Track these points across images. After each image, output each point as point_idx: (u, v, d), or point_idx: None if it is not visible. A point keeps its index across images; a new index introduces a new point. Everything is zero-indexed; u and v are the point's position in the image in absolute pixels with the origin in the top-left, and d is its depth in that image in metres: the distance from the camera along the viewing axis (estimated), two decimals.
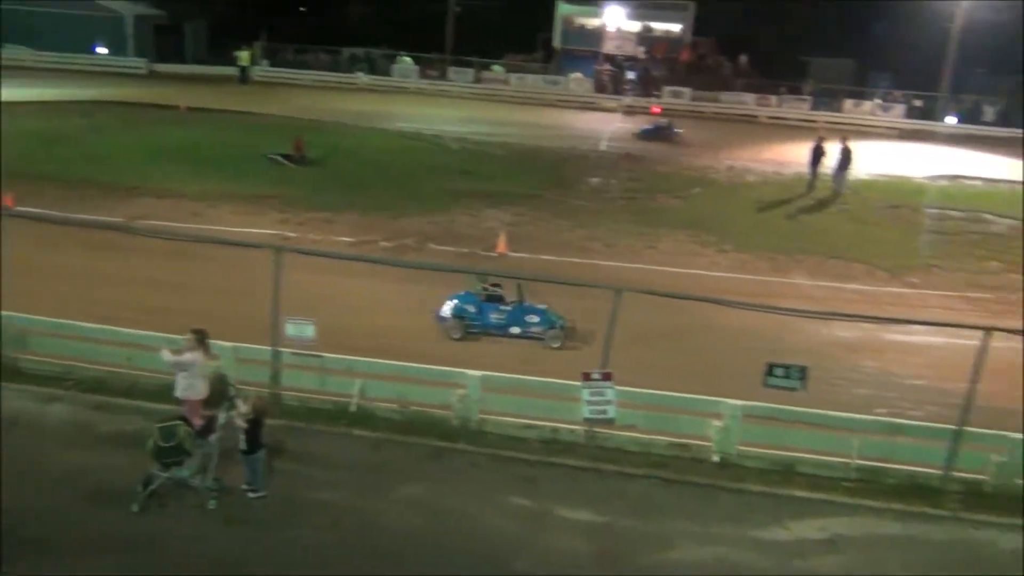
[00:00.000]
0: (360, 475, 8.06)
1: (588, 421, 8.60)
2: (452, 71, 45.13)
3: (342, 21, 53.31)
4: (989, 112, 44.29)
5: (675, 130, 32.72)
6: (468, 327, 11.71)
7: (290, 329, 8.76)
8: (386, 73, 43.88)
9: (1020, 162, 33.82)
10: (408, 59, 44.70)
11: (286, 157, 22.27)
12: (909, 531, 7.66)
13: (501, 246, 16.12)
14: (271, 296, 8.64)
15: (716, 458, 8.55)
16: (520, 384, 9.07)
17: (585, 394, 8.39)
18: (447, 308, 11.81)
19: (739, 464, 8.49)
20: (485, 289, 11.82)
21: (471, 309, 11.76)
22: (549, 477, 8.10)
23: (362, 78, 42.39)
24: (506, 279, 11.87)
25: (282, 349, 8.90)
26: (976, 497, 8.22)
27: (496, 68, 46.77)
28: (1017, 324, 12.74)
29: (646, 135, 32.37)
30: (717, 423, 8.54)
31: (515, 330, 11.69)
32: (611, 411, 8.43)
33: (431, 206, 18.99)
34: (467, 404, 8.89)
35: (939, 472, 8.35)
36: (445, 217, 18.34)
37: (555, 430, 8.84)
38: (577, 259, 15.97)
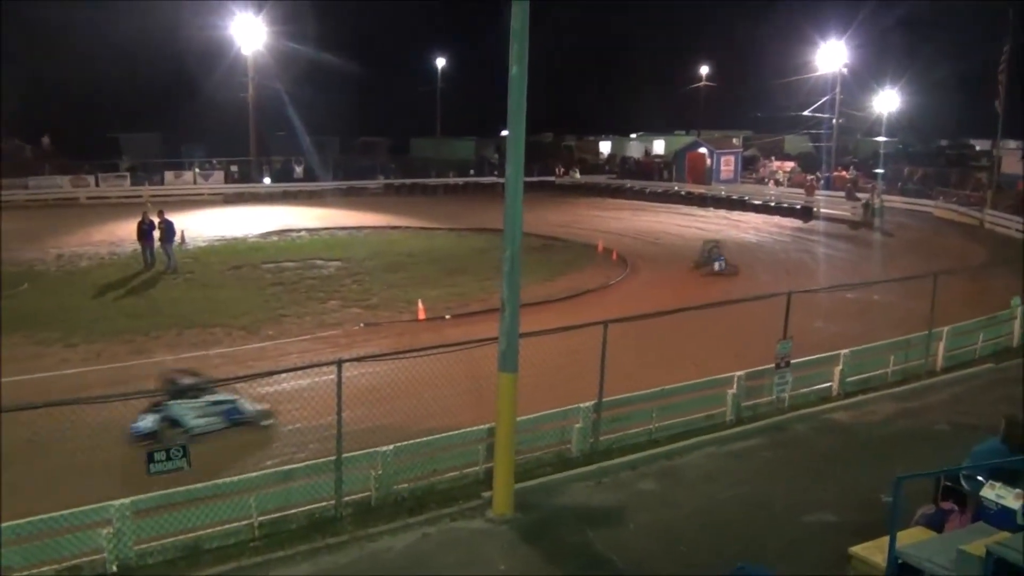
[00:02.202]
0: None
1: None
2: None
3: None
4: (297, 170, 49.18)
5: None
6: None
7: None
8: None
9: (328, 211, 38.40)
10: None
11: None
12: (317, 567, 8.01)
13: None
14: None
15: (114, 568, 7.79)
16: None
17: None
18: None
19: (141, 565, 7.87)
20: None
21: None
22: None
23: None
24: None
25: None
26: (366, 513, 9.00)
27: None
28: (363, 352, 14.43)
29: None
30: (107, 530, 7.78)
31: None
32: None
33: None
34: None
35: (332, 502, 8.94)
36: None
37: None
38: None
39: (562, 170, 55.81)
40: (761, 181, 52.64)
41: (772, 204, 40.97)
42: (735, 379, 11.97)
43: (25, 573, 7.50)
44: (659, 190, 48.18)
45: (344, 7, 60.32)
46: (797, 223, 36.84)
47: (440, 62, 63.72)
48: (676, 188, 48.33)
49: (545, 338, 10.43)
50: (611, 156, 65.85)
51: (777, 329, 12.24)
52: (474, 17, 61.97)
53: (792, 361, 12.19)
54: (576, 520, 9.02)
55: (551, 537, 8.68)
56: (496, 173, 52.42)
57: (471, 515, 9.03)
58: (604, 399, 10.63)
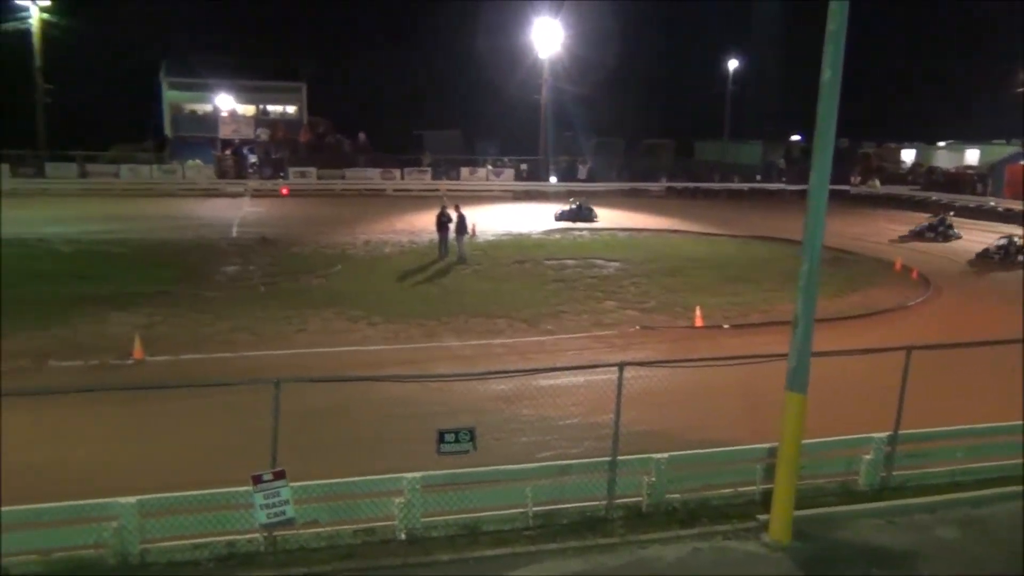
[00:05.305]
0: None
1: (266, 527, 8.00)
2: (49, 167, 41.04)
3: None
4: (582, 170, 50.29)
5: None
6: None
7: None
8: None
9: (610, 211, 38.56)
10: None
11: None
12: (587, 564, 8.09)
13: (137, 351, 14.69)
14: None
15: (403, 535, 8.40)
16: (181, 502, 8.14)
17: (259, 498, 7.81)
18: None
19: (426, 537, 8.42)
20: None
21: None
22: None
23: None
24: None
25: None
26: (637, 518, 8.95)
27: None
28: (639, 355, 14.41)
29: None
30: (400, 499, 8.42)
31: None
32: (289, 511, 7.94)
33: (46, 319, 16.80)
34: (123, 537, 7.82)
35: (603, 503, 8.99)
36: (65, 329, 16.31)
37: (231, 543, 8.10)
38: (224, 354, 15.07)
39: (859, 178, 52.13)
40: None
41: None
42: None
43: (330, 528, 8.32)
44: (971, 205, 43.45)
45: (636, 8, 60.71)
46: None
47: (732, 63, 62.05)
48: (992, 204, 43.32)
49: (832, 358, 9.75)
50: (915, 165, 60.42)
51: None
52: (768, 16, 59.54)
53: None
54: (861, 559, 8.34)
55: (832, 573, 8.11)
56: (784, 180, 50.15)
57: (745, 536, 8.67)
58: (901, 431, 9.75)
